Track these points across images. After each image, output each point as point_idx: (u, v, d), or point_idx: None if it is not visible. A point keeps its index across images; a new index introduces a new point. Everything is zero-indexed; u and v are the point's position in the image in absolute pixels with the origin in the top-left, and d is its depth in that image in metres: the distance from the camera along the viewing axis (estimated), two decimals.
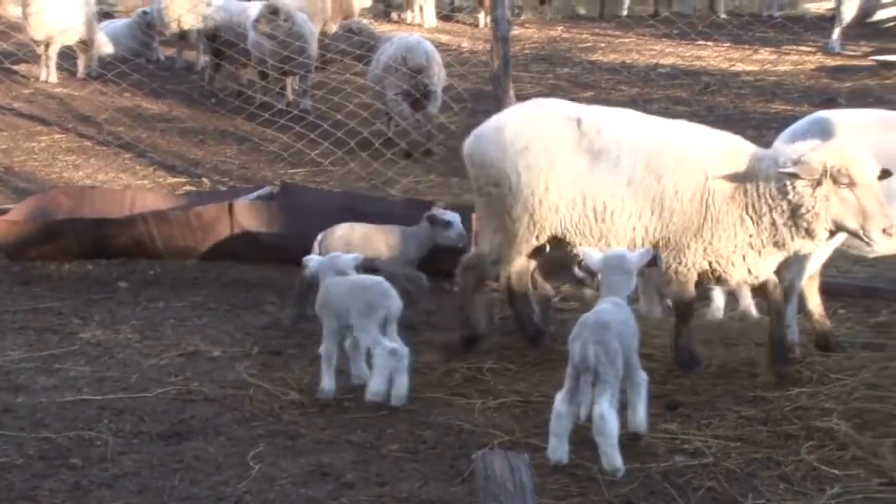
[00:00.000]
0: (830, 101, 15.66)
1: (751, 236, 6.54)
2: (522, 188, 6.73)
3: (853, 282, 8.30)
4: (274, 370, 6.91)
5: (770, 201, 6.44)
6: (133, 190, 10.53)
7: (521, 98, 14.84)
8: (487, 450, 3.62)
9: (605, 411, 5.31)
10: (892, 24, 20.12)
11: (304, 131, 12.58)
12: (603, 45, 21.03)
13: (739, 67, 18.77)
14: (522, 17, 23.67)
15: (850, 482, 5.33)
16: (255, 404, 6.36)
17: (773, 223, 6.46)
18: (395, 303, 6.33)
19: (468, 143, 7.04)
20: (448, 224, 7.93)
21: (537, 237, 6.85)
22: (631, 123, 6.83)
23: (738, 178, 6.54)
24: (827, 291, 8.00)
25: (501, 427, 5.99)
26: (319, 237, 7.88)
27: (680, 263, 6.67)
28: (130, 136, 13.73)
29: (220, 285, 8.74)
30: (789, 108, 15.67)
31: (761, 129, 14.13)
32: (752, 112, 15.45)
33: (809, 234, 6.41)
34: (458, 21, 22.93)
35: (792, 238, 6.47)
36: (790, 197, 6.36)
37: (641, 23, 22.00)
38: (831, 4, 21.79)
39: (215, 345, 7.39)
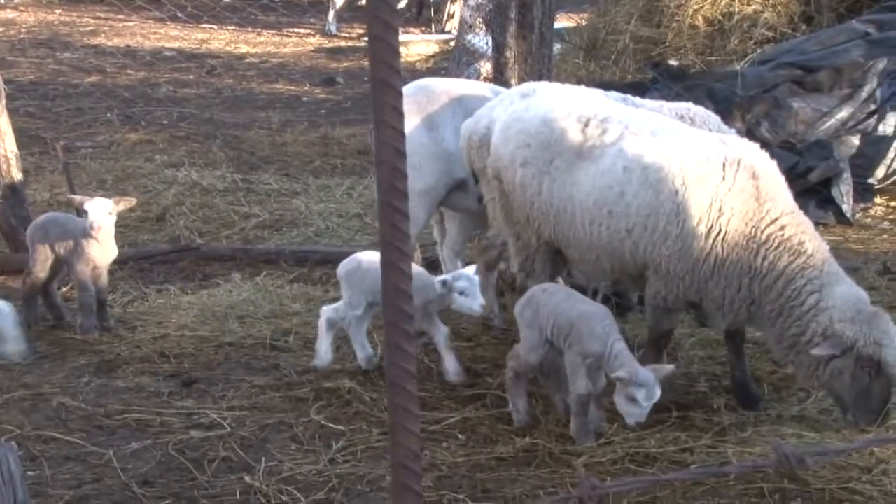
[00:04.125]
0: (330, 81, 16.44)
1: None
2: (518, 187, 6.13)
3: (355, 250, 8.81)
4: None
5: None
6: None
7: (13, 84, 14.27)
8: None
9: None
10: None
11: None
12: (106, 28, 20.59)
13: (244, 50, 19.13)
14: (17, 0, 22.57)
15: (354, 435, 5.70)
16: None
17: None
18: None
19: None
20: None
21: (537, 242, 6.23)
22: (646, 128, 5.86)
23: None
24: (331, 260, 8.51)
25: (10, 422, 5.80)
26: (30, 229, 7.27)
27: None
28: None
29: None
30: (293, 87, 16.23)
31: (267, 109, 14.55)
32: (259, 93, 15.82)
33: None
34: None
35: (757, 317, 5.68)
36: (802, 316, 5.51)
37: (140, 6, 21.73)
38: None
39: None
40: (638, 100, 6.77)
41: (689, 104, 6.81)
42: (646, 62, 10.96)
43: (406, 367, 1.71)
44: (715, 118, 6.68)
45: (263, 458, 5.44)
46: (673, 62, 10.97)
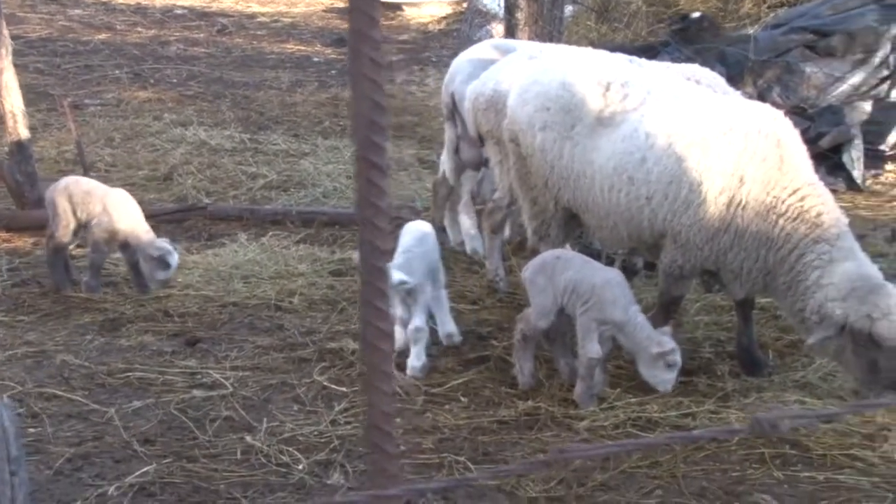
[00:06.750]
0: (341, 41, 16.34)
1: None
2: (537, 151, 6.02)
3: None
4: None
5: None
6: None
7: (22, 40, 14.23)
8: None
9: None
10: None
11: None
12: None
13: (255, 9, 19.03)
14: None
15: (356, 397, 5.68)
16: None
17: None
18: None
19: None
20: None
21: (554, 207, 6.12)
22: (669, 93, 5.76)
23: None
24: (338, 222, 8.50)
25: (12, 379, 5.81)
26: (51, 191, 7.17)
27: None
28: None
29: None
30: (303, 47, 16.15)
31: (277, 69, 14.48)
32: (269, 53, 15.74)
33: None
34: None
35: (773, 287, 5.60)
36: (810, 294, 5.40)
37: None
38: None
39: None
40: (644, 61, 6.70)
41: (696, 66, 6.73)
42: (672, 18, 10.84)
43: (380, 326, 1.68)
44: (721, 80, 6.60)
45: (265, 419, 5.44)
46: (695, 14, 10.86)
